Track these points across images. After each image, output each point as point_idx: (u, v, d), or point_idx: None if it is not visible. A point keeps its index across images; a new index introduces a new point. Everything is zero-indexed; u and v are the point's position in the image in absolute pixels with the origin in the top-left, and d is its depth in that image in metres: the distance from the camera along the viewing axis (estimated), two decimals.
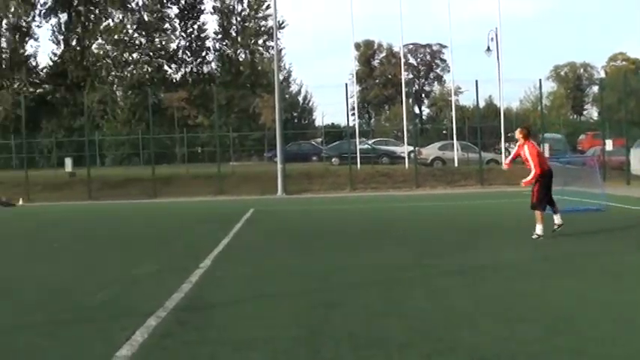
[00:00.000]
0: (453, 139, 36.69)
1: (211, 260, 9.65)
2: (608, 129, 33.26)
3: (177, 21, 60.73)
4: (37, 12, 58.41)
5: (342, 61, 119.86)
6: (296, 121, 59.07)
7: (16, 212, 25.12)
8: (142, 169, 36.74)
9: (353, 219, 17.97)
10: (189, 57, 61.42)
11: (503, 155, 33.12)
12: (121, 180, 33.85)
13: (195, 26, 61.10)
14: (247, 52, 60.55)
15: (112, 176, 34.86)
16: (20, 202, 29.87)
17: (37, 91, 58.55)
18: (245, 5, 59.66)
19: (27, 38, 58.40)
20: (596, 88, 68.52)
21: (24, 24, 57.96)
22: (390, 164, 37.18)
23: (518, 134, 12.05)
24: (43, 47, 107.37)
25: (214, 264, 9.36)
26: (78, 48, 58.83)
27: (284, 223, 16.98)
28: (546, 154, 22.48)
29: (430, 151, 37.47)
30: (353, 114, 51.89)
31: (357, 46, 68.61)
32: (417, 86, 74.03)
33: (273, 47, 49.16)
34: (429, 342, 5.25)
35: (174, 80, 60.80)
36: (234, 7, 59.98)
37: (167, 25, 59.94)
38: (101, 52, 58.17)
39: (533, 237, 11.30)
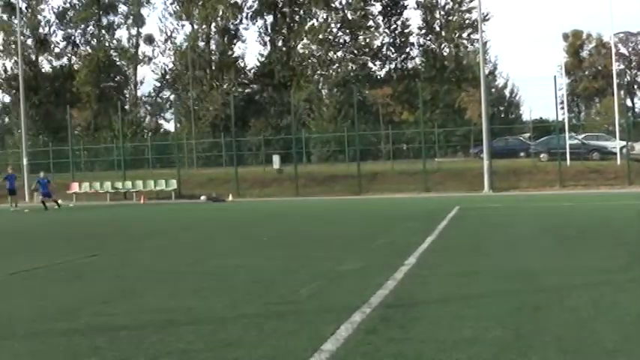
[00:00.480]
0: None
1: (416, 258, 9.58)
2: None
3: (381, 18, 61.51)
4: (244, 15, 61.89)
5: (549, 53, 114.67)
6: (502, 115, 57.45)
7: (225, 207, 26.68)
8: (347, 166, 37.61)
9: (563, 217, 17.12)
10: (393, 53, 61.97)
11: None
12: (326, 176, 34.91)
13: (399, 22, 61.50)
14: (451, 46, 59.91)
15: (318, 173, 36.02)
16: (230, 198, 31.79)
17: (246, 91, 62.07)
18: None
19: (235, 40, 62.13)
20: None
21: (232, 27, 61.62)
22: (600, 160, 35.48)
23: None
24: (251, 48, 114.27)
25: (419, 262, 9.29)
26: (284, 48, 61.53)
27: (490, 222, 16.55)
28: None
29: None
30: (562, 108, 49.75)
31: (565, 36, 65.97)
32: (629, 77, 69.76)
33: (477, 40, 48.37)
34: None
35: (378, 77, 61.65)
36: (437, 1, 59.58)
37: (370, 22, 60.90)
38: (306, 52, 60.34)
39: None
